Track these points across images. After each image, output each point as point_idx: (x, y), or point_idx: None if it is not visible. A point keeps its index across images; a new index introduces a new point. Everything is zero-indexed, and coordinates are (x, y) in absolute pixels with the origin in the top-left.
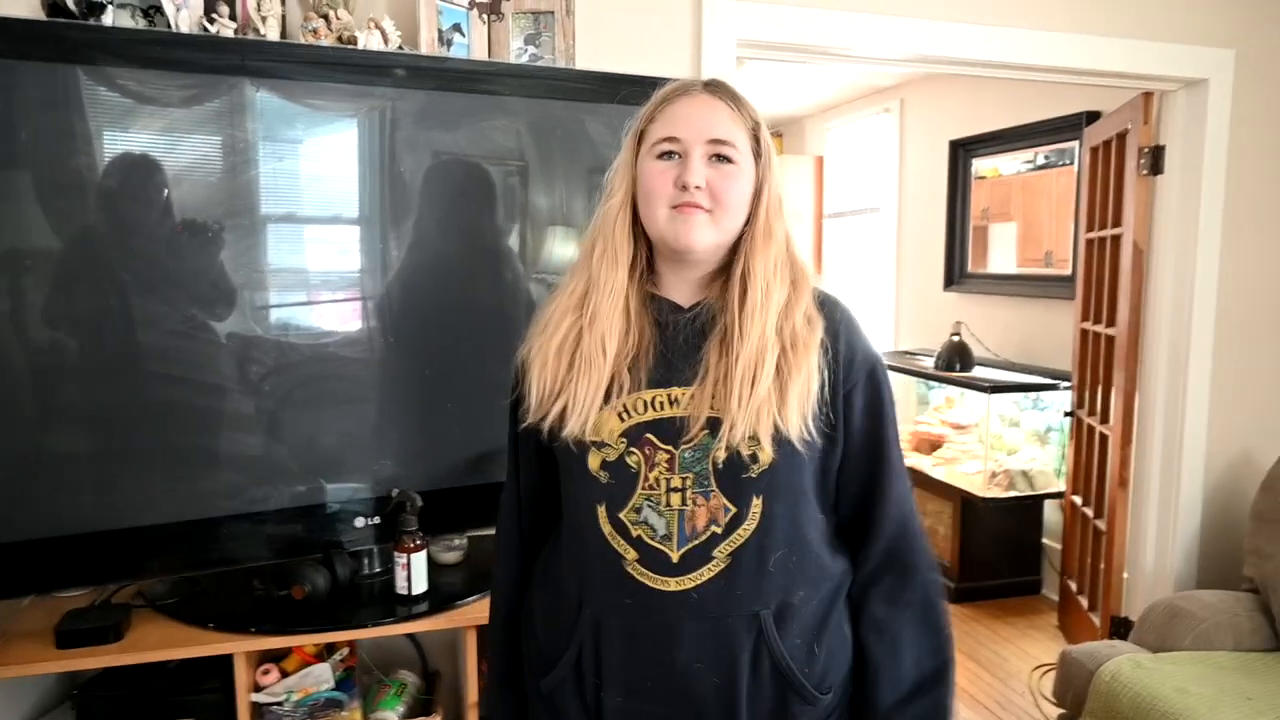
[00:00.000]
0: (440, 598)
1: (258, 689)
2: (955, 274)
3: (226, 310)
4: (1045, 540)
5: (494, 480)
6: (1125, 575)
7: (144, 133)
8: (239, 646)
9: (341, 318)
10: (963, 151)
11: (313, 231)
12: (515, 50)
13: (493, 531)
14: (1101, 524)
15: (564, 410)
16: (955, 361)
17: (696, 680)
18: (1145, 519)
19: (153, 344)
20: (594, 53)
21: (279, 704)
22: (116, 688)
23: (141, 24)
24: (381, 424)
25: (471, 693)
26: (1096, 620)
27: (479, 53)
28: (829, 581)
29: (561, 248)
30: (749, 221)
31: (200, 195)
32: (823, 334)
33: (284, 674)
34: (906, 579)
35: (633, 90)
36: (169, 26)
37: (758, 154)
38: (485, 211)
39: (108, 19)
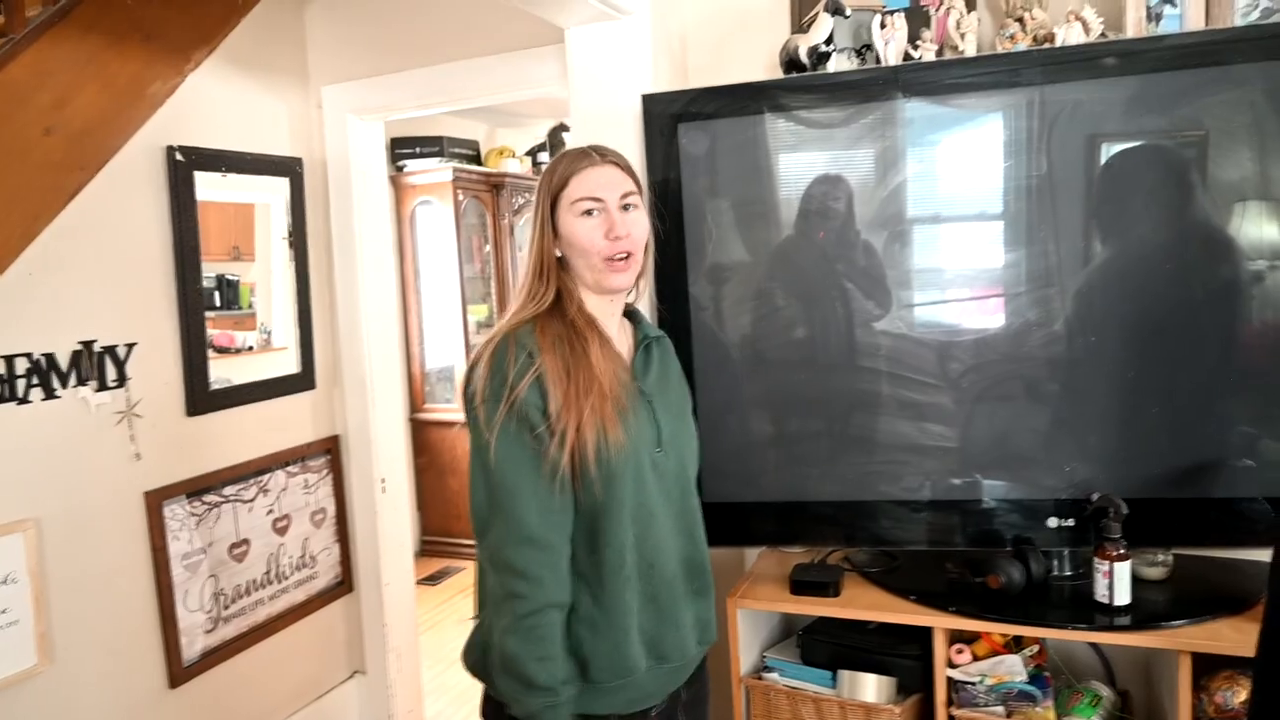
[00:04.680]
0: (1144, 614)
1: (951, 666)
2: None
3: (910, 307)
4: None
5: (1208, 496)
6: None
7: (818, 155)
8: (939, 622)
9: (1038, 315)
10: None
11: (1004, 229)
12: (1242, 7)
13: (1203, 551)
14: None
15: None
16: None
17: None
18: None
19: (854, 340)
20: None
21: (973, 684)
22: (829, 635)
23: (855, 64)
24: (1078, 425)
25: None
26: None
27: (1194, 22)
28: None
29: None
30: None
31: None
32: None
33: (975, 657)
34: None
35: None
36: (878, 61)
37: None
38: (1196, 197)
39: (831, 66)
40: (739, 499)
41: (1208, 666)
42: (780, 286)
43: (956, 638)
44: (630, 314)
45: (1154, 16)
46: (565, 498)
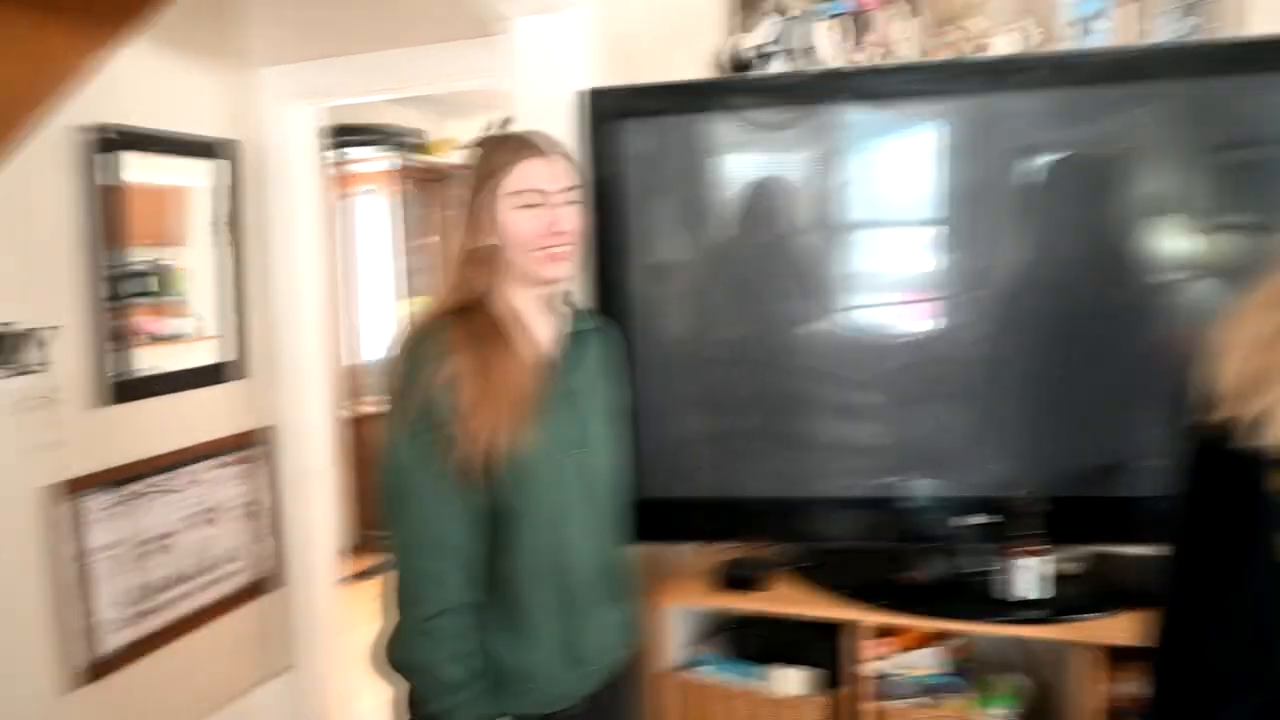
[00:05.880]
0: (1058, 607)
1: (875, 659)
2: None
3: (844, 308)
4: None
5: (1122, 495)
6: None
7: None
8: (864, 616)
9: (966, 318)
10: None
11: (934, 232)
12: (1171, 25)
13: (1119, 549)
14: None
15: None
16: None
17: None
18: None
19: (789, 339)
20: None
21: (897, 676)
22: (758, 629)
23: (798, 65)
24: (999, 424)
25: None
26: None
27: (1125, 37)
28: None
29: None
30: None
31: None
32: None
33: (899, 650)
34: None
35: None
36: (820, 64)
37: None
38: (1112, 207)
39: (773, 67)
40: (671, 495)
41: (1120, 658)
42: (717, 285)
43: (881, 631)
44: (568, 305)
45: (1087, 30)
46: (471, 499)
